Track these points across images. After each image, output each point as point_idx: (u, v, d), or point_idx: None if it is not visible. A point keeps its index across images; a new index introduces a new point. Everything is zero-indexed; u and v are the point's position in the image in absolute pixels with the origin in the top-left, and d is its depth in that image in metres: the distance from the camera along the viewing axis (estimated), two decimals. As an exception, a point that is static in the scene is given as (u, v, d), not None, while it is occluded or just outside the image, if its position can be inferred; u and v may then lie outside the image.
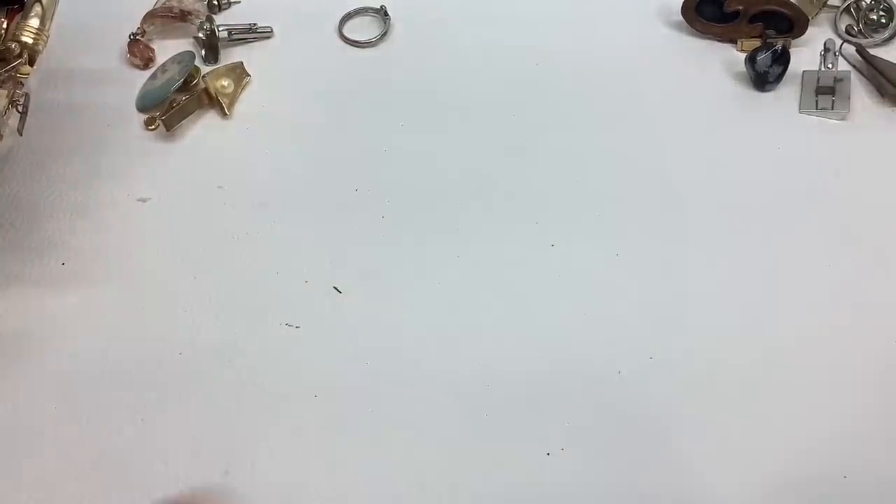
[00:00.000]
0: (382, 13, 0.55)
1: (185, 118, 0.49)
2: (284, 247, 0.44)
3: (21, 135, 0.46)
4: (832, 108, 0.49)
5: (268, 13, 0.55)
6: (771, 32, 0.52)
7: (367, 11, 0.56)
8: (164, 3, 0.55)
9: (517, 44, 0.53)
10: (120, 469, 0.37)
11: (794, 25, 0.52)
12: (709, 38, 0.53)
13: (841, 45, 0.52)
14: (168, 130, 0.49)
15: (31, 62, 0.42)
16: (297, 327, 0.41)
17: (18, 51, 0.41)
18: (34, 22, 0.41)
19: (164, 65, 0.52)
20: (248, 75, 0.52)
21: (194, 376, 0.40)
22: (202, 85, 0.51)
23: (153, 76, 0.52)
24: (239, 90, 0.51)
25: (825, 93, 0.50)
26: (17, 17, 0.42)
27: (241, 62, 0.52)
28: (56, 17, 0.43)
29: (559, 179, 0.47)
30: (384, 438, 0.38)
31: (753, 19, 0.52)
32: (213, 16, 0.55)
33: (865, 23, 0.53)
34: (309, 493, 0.37)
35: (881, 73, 0.50)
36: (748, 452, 0.37)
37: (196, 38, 0.54)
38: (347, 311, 0.42)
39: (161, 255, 0.44)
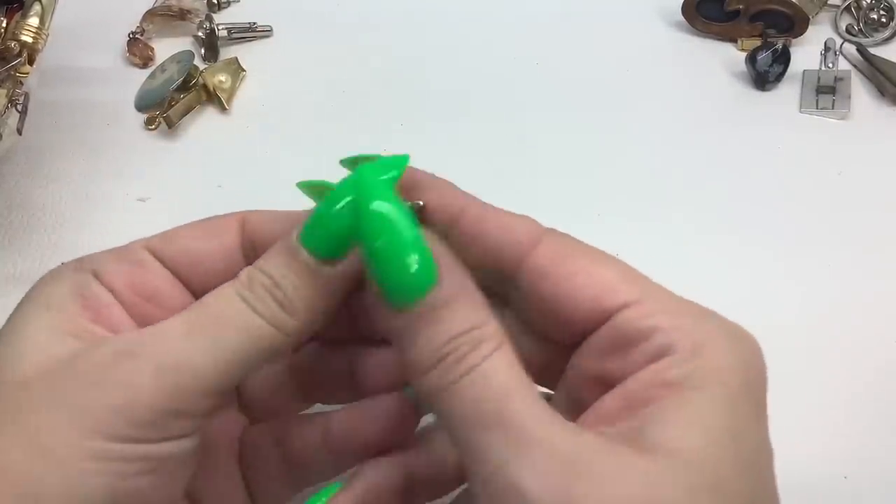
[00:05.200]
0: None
1: (185, 114, 0.49)
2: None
3: (20, 134, 0.46)
4: (832, 108, 0.49)
5: (267, 12, 0.55)
6: (771, 31, 0.52)
7: (366, 10, 0.56)
8: (163, 2, 0.55)
9: (517, 44, 0.53)
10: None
11: (794, 24, 0.52)
12: (709, 38, 0.53)
13: (841, 45, 0.52)
14: (170, 128, 0.49)
15: (31, 61, 0.42)
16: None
17: (18, 50, 0.41)
18: (34, 21, 0.41)
19: (162, 64, 0.52)
20: (244, 70, 0.52)
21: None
22: (200, 81, 0.51)
23: (152, 75, 0.52)
24: (236, 85, 0.51)
25: (825, 92, 0.50)
26: (17, 16, 0.42)
27: (236, 58, 0.52)
28: (55, 16, 0.43)
29: (559, 179, 0.47)
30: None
31: (754, 18, 0.52)
32: (213, 14, 0.55)
33: (866, 22, 0.53)
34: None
35: (881, 73, 0.50)
36: (748, 452, 0.37)
37: (196, 36, 0.54)
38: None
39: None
